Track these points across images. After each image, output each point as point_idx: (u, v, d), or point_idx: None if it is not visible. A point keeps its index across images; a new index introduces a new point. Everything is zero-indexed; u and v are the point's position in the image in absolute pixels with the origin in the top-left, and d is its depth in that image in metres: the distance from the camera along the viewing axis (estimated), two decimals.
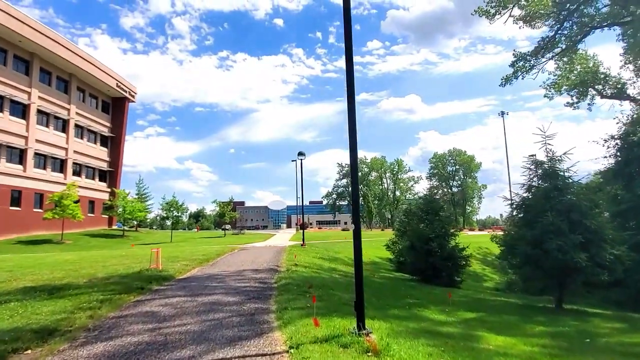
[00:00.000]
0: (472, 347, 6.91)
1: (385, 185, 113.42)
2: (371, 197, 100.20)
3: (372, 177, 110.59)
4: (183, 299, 9.11)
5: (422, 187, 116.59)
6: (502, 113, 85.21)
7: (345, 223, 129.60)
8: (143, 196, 60.68)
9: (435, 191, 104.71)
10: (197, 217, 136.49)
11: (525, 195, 13.73)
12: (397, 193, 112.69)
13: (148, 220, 80.00)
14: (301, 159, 26.68)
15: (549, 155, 13.34)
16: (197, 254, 20.31)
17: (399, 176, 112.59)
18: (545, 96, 40.59)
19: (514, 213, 14.11)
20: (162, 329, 6.56)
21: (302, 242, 25.82)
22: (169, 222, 48.68)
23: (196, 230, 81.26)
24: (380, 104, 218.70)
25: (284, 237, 50.34)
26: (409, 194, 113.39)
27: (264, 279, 12.07)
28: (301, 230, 69.50)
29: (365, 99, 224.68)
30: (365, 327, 6.18)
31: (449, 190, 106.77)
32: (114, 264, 16.35)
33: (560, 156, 13.07)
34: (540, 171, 13.38)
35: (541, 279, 12.48)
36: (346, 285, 11.90)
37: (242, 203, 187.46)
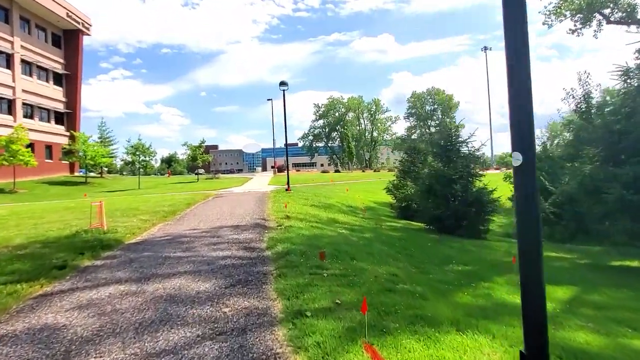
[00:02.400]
0: None
1: (363, 126, 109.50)
2: (351, 138, 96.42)
3: (349, 117, 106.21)
4: (121, 288, 5.45)
5: (400, 128, 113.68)
6: (485, 48, 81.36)
7: (322, 165, 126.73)
8: (106, 140, 55.19)
9: (414, 131, 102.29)
10: (169, 162, 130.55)
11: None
12: (375, 134, 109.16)
13: (117, 166, 74.84)
14: (284, 90, 22.47)
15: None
16: (163, 204, 16.54)
17: (377, 116, 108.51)
18: (544, 23, 36.97)
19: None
20: None
21: (286, 187, 22.29)
22: (137, 167, 44.16)
23: (167, 175, 76.64)
24: (352, 44, 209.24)
25: (261, 180, 46.70)
26: (387, 134, 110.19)
27: (251, 242, 8.49)
28: (279, 174, 65.82)
29: (337, 39, 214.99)
30: None
31: (427, 130, 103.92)
32: (51, 220, 12.44)
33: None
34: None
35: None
36: (365, 248, 8.49)
37: (216, 147, 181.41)
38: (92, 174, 55.67)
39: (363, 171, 70.25)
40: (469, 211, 13.33)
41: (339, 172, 68.56)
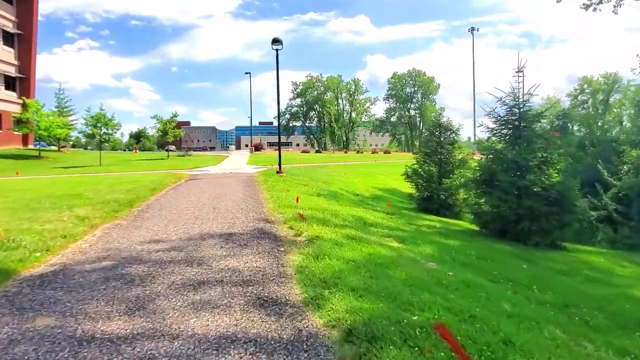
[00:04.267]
0: None
1: (341, 106, 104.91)
2: (332, 117, 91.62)
3: (328, 97, 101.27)
4: None
5: (378, 109, 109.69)
6: (472, 29, 77.97)
7: (298, 145, 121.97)
8: (65, 110, 48.97)
9: (393, 113, 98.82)
10: (138, 137, 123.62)
11: None
12: (353, 114, 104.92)
13: (82, 140, 68.24)
14: (277, 49, 17.96)
15: None
16: (119, 189, 12.14)
17: (356, 97, 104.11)
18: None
19: None
20: None
21: (278, 169, 17.93)
22: (98, 141, 38.64)
23: (134, 151, 70.60)
24: (328, 24, 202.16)
25: (238, 159, 42.10)
26: (365, 115, 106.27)
27: (265, 283, 4.34)
28: (257, 152, 60.75)
29: (313, 18, 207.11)
30: None
31: (407, 113, 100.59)
32: None
33: None
34: None
35: None
36: (482, 299, 4.53)
37: (188, 123, 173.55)
38: (52, 148, 49.76)
39: (345, 152, 66.29)
40: (551, 212, 9.56)
41: (320, 152, 64.48)
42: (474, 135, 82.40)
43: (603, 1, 30.63)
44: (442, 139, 16.01)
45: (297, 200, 8.91)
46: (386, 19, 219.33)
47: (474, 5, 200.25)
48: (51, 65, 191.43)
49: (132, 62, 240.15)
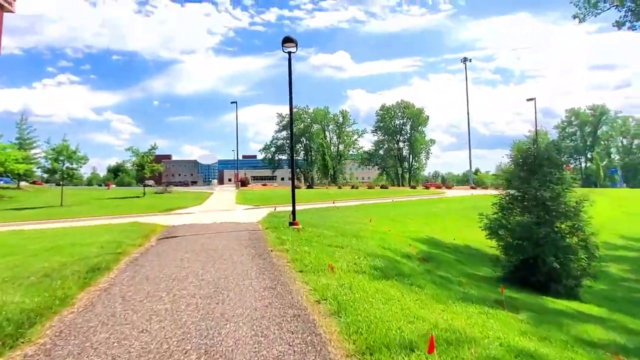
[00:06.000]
0: None
1: (328, 139, 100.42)
2: (325, 149, 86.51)
3: (315, 129, 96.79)
4: None
5: (365, 142, 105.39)
6: (465, 59, 75.69)
7: (283, 179, 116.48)
8: (27, 142, 42.88)
9: (382, 145, 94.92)
10: (117, 172, 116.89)
11: None
12: (341, 147, 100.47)
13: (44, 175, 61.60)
14: (289, 52, 12.99)
15: None
16: (24, 274, 6.68)
17: (343, 129, 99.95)
18: (574, 17, 29.99)
19: None
20: None
21: (291, 219, 12.49)
22: (61, 177, 32.54)
23: (107, 187, 64.26)
24: (309, 60, 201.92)
25: (225, 197, 36.51)
26: (353, 148, 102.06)
27: None
28: (243, 188, 54.24)
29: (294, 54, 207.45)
30: None
31: (396, 145, 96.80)
32: None
33: None
34: None
35: None
36: None
37: (169, 156, 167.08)
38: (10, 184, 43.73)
39: (339, 187, 61.13)
40: None
41: (312, 187, 59.33)
42: (470, 165, 78.75)
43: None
44: (544, 175, 10.95)
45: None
46: (365, 54, 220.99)
47: (446, 42, 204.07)
48: (31, 100, 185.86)
49: (113, 96, 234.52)
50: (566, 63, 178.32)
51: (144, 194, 39.66)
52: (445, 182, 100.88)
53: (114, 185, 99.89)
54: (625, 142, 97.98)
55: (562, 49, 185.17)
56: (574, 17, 29.29)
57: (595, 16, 29.26)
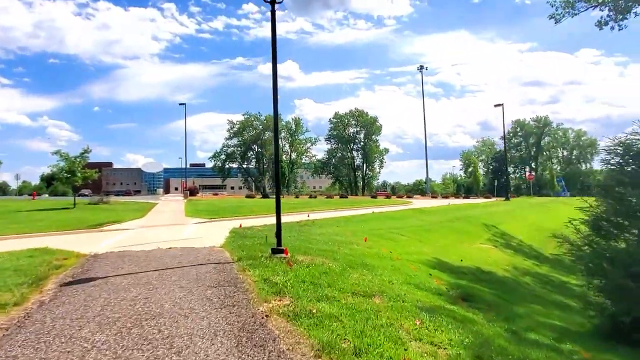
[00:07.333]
0: None
1: (281, 146, 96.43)
2: (284, 158, 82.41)
3: (267, 137, 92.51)
4: None
5: (317, 151, 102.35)
6: (421, 67, 74.84)
7: (232, 188, 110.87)
8: None
9: (335, 154, 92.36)
10: (51, 180, 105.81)
11: None
12: (293, 155, 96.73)
13: None
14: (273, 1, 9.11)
15: None
16: None
17: (296, 137, 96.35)
18: (550, 17, 28.89)
19: None
20: None
21: (277, 243, 8.52)
22: None
23: (31, 197, 56.50)
24: (258, 68, 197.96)
25: (172, 209, 31.67)
26: (306, 157, 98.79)
27: None
28: (192, 197, 48.75)
29: (242, 63, 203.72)
30: None
31: (350, 154, 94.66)
32: None
33: None
34: None
35: None
36: None
37: (110, 164, 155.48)
38: None
39: (297, 197, 57.32)
40: None
41: (267, 197, 55.23)
42: (427, 175, 77.95)
43: (621, 20, 26.31)
44: None
45: None
46: (313, 65, 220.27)
47: (392, 55, 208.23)
48: None
49: (50, 101, 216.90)
50: (502, 79, 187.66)
51: (74, 205, 33.79)
52: (395, 191, 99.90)
53: (46, 195, 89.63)
54: (565, 152, 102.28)
55: (498, 66, 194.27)
56: (550, 17, 27.75)
57: (572, 17, 27.92)
